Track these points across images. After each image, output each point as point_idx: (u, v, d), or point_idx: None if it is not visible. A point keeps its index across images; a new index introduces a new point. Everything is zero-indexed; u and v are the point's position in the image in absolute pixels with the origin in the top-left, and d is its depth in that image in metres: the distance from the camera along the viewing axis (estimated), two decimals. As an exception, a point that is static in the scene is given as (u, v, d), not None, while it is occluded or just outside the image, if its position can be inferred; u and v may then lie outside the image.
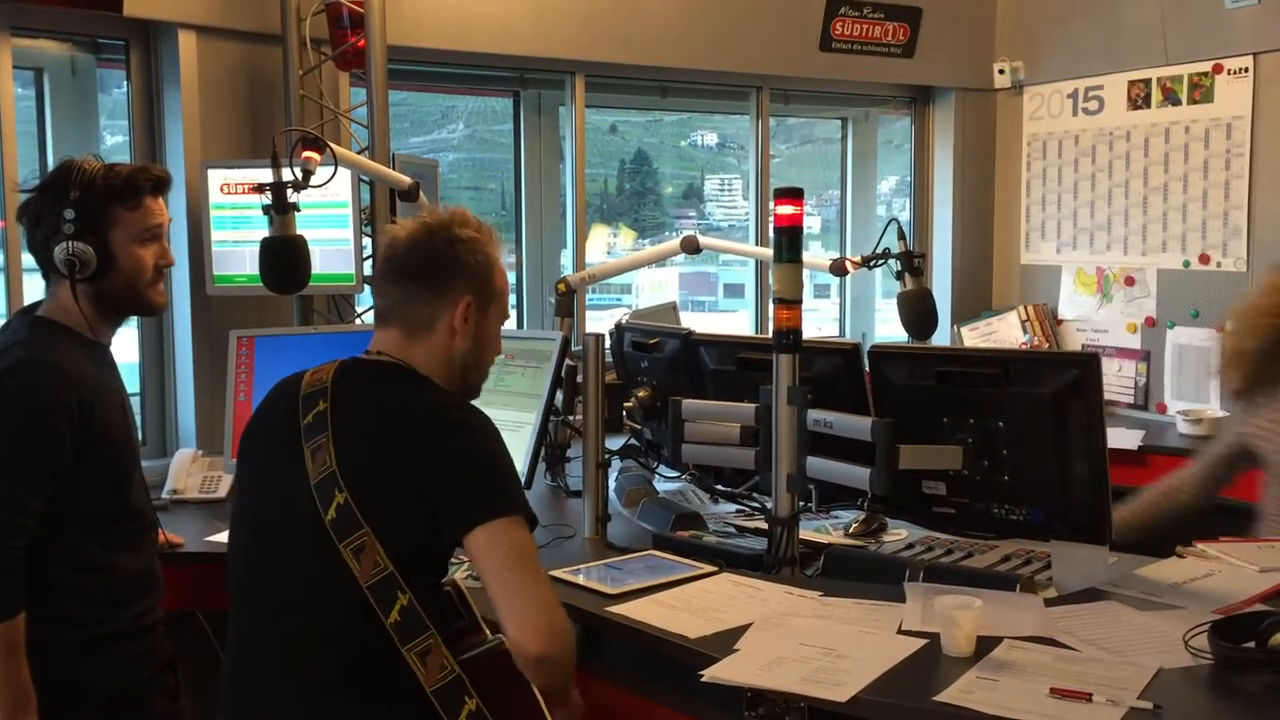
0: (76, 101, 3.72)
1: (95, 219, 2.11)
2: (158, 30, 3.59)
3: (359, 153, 3.42)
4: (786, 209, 2.35)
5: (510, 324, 4.54)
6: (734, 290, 5.95)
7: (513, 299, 4.73)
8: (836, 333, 5.60)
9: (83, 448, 2.06)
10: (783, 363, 2.35)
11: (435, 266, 1.89)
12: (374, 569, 1.70)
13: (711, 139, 5.81)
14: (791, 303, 2.34)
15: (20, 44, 3.43)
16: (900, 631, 1.96)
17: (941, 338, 5.17)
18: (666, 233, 5.48)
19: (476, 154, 5.09)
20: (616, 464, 3.13)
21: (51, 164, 3.60)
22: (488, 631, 1.87)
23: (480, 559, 1.70)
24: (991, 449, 2.29)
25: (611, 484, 3.22)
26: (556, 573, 2.32)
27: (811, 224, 5.82)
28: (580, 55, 4.35)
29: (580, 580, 2.28)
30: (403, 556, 1.72)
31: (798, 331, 2.34)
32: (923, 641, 1.90)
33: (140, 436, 3.72)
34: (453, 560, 1.94)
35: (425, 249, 1.89)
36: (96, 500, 2.11)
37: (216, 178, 3.47)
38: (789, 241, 2.35)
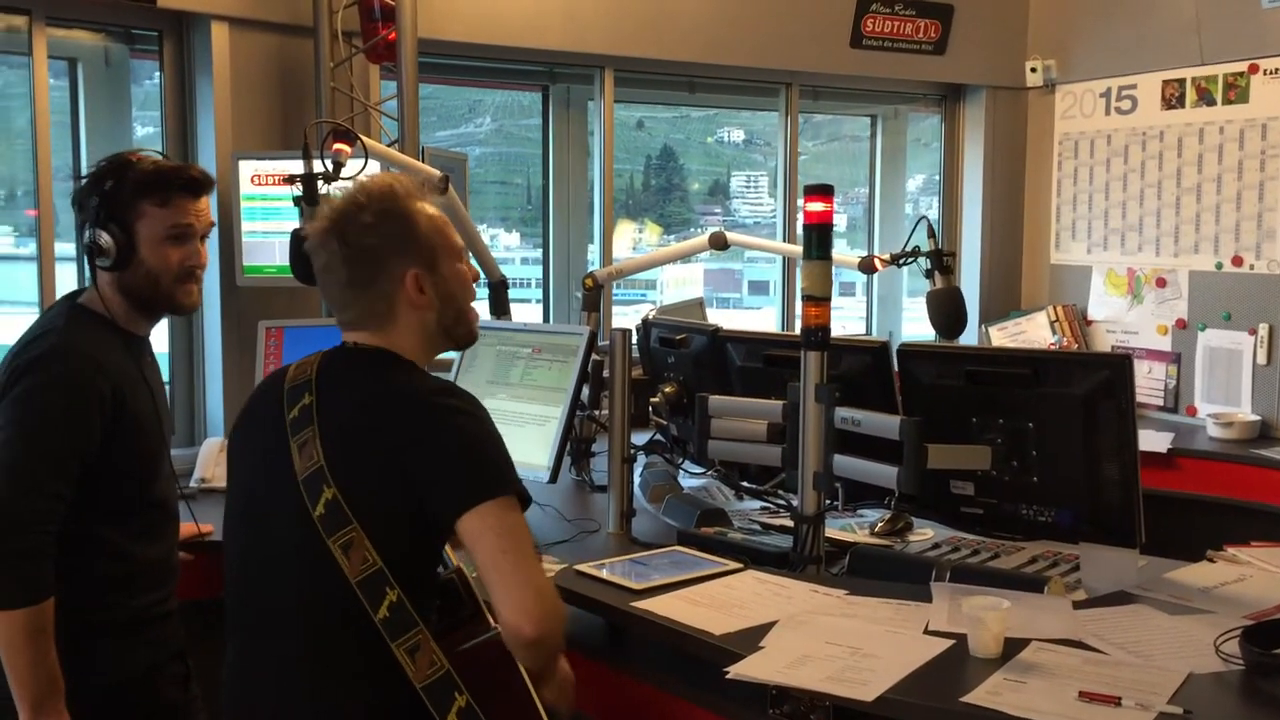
0: (110, 92, 3.74)
1: (122, 210, 2.12)
2: (191, 21, 3.61)
3: (389, 145, 3.43)
4: (817, 206, 2.33)
5: (529, 316, 4.62)
6: (759, 287, 5.94)
7: (537, 294, 4.76)
8: (863, 331, 5.57)
9: (111, 436, 2.06)
10: (811, 360, 2.33)
11: (363, 265, 1.82)
12: (363, 564, 1.68)
13: (738, 135, 5.79)
14: (820, 300, 2.32)
15: (55, 34, 3.45)
16: (927, 631, 1.95)
17: (969, 338, 5.14)
18: (692, 229, 5.48)
19: (503, 148, 5.10)
20: (642, 459, 3.13)
21: (85, 154, 3.64)
22: (491, 620, 1.85)
23: (472, 543, 1.68)
24: (1020, 449, 2.27)
25: (636, 480, 3.22)
26: (580, 567, 2.32)
27: (838, 221, 5.78)
28: (610, 50, 4.35)
29: (605, 575, 2.28)
30: (392, 551, 1.70)
31: (826, 329, 2.32)
32: (950, 642, 1.89)
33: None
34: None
35: (345, 254, 1.81)
36: (121, 490, 2.12)
37: (247, 169, 3.49)
38: (819, 239, 2.33)
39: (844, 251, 4.24)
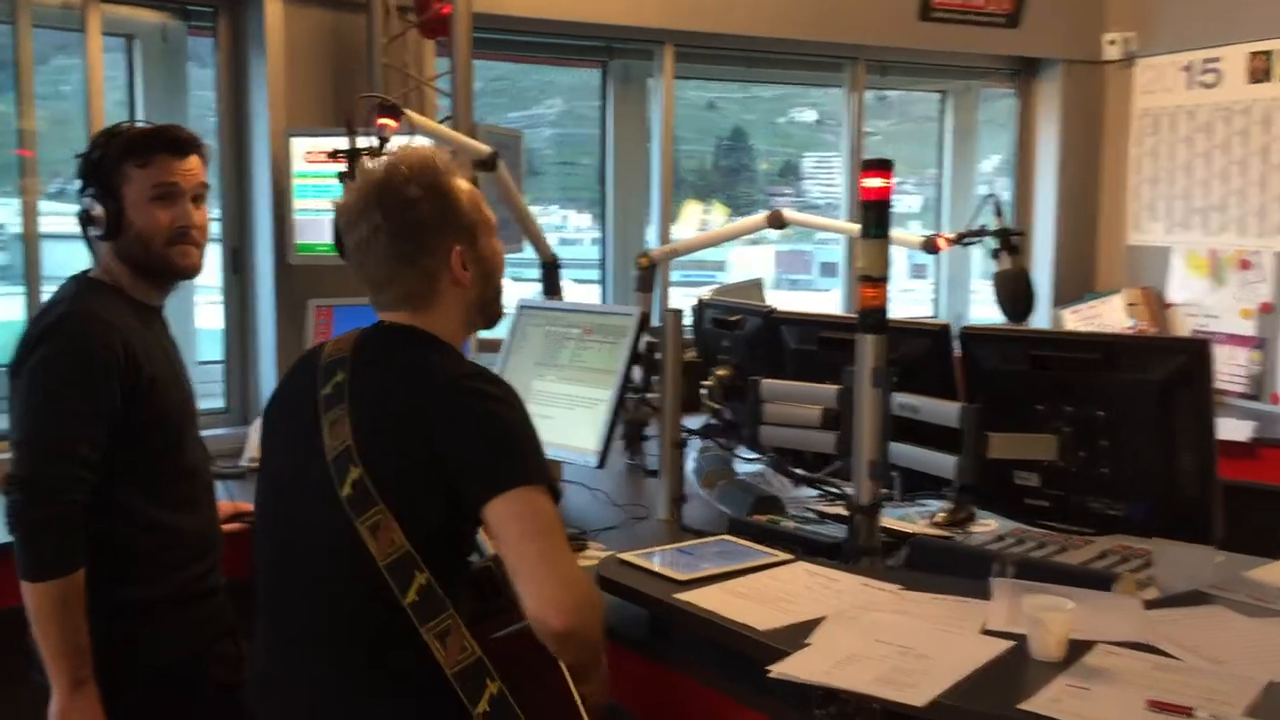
0: (167, 70, 3.74)
1: (109, 176, 2.11)
2: (245, -2, 3.59)
3: (441, 122, 3.37)
4: (875, 181, 2.22)
5: (594, 297, 4.57)
6: (831, 269, 5.85)
7: (596, 273, 4.70)
8: (930, 314, 5.46)
9: (130, 395, 2.05)
10: (867, 343, 2.23)
11: (408, 240, 1.76)
12: (390, 547, 1.63)
13: (810, 116, 5.70)
14: (878, 280, 2.21)
15: (114, 11, 3.44)
16: (984, 631, 1.84)
17: (1041, 321, 5.00)
18: (761, 210, 5.37)
19: (573, 129, 5.06)
20: (696, 444, 3.06)
21: (140, 130, 3.63)
22: None
23: (498, 530, 1.63)
24: (1090, 439, 2.16)
25: (690, 465, 3.14)
26: (626, 556, 2.25)
27: (911, 203, 5.68)
28: (669, 24, 4.25)
29: (653, 565, 2.20)
30: (421, 534, 1.65)
31: (883, 310, 2.21)
32: (1009, 643, 1.78)
33: (223, 404, 3.75)
34: None
35: (390, 228, 1.75)
36: (147, 455, 2.10)
37: (300, 146, 3.46)
38: (876, 216, 2.22)
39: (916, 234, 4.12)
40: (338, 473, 1.67)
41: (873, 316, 2.22)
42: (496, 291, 1.88)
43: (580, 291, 4.45)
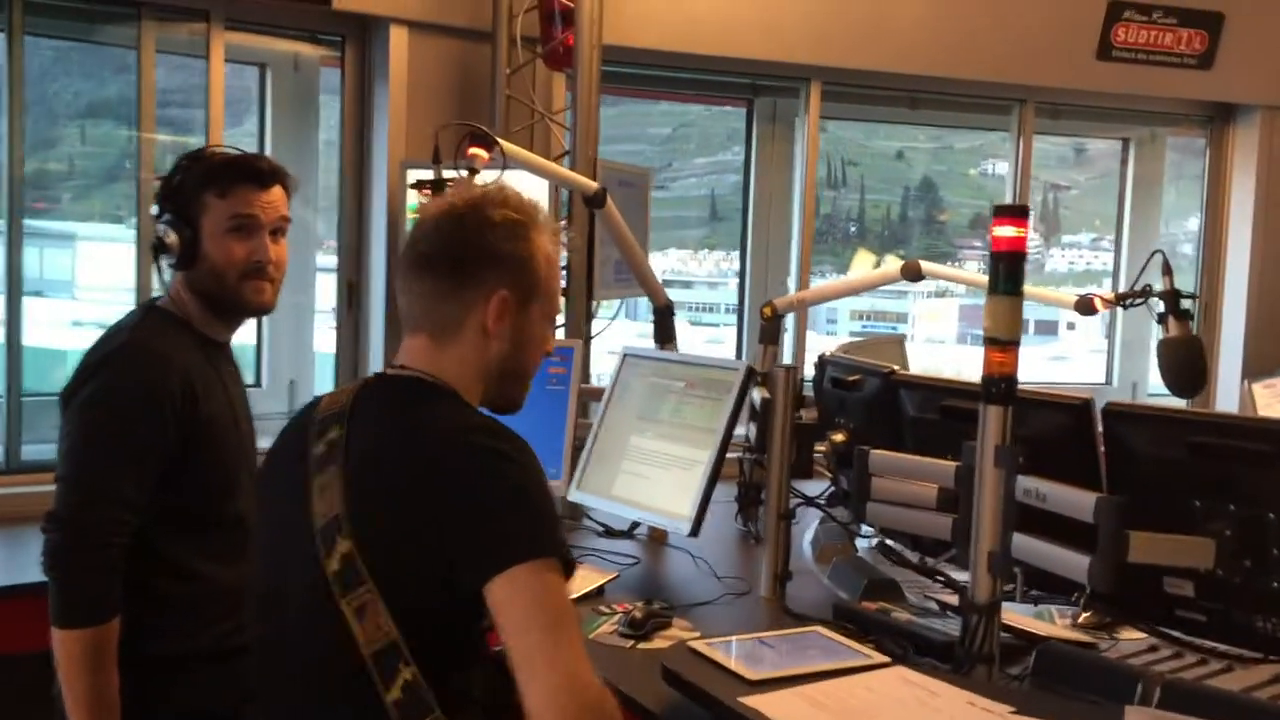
0: (297, 98, 3.72)
1: (187, 203, 2.03)
2: (373, 26, 3.54)
3: (559, 157, 3.20)
4: (1006, 230, 1.92)
5: (714, 346, 4.35)
6: (1046, 328, 5.61)
7: (726, 317, 4.47)
8: (1103, 380, 5.06)
9: (184, 435, 1.96)
10: (991, 416, 1.92)
11: (461, 255, 1.60)
12: (377, 633, 1.43)
13: (1003, 168, 5.41)
14: (1006, 344, 1.91)
15: (244, 41, 3.44)
16: (1107, 782, 1.51)
17: (1228, 395, 4.52)
18: (951, 262, 5.21)
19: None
20: (817, 514, 2.78)
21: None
22: None
23: (498, 614, 1.39)
24: (1257, 545, 1.79)
25: (808, 536, 2.89)
26: (697, 644, 1.98)
27: (1101, 261, 5.36)
28: (816, 60, 4.01)
29: (719, 657, 1.93)
30: (412, 620, 1.43)
31: (1012, 379, 1.91)
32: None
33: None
34: None
35: (450, 235, 1.60)
36: (193, 501, 2.00)
37: (415, 178, 3.34)
38: (1007, 270, 1.93)
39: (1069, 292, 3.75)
40: (324, 544, 1.48)
41: (998, 385, 1.92)
42: (520, 369, 1.68)
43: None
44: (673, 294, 5.44)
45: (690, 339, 5.31)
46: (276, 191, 2.08)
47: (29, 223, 3.22)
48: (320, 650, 1.48)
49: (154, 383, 1.94)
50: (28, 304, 3.22)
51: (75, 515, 1.88)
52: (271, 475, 1.70)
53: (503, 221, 1.61)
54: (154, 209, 2.08)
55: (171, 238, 2.03)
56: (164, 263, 2.07)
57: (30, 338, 3.22)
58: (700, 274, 5.46)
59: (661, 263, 5.33)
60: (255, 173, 2.06)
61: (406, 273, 1.64)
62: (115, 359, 1.97)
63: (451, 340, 1.61)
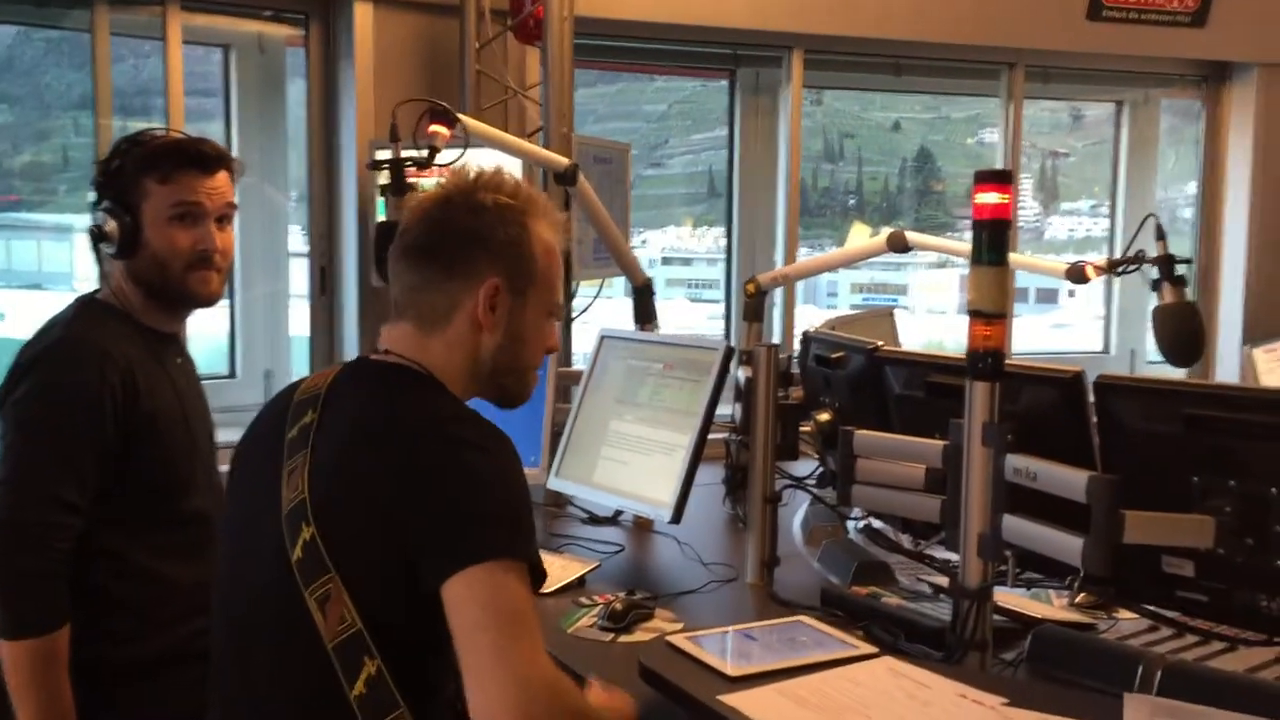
0: (264, 80, 3.61)
1: (126, 190, 1.94)
2: (337, 2, 3.44)
3: (532, 134, 3.10)
4: (989, 197, 1.82)
5: (716, 323, 4.28)
6: (1047, 295, 5.55)
7: (723, 294, 4.37)
8: (1100, 348, 5.00)
9: (128, 435, 1.88)
10: (978, 392, 1.83)
11: (452, 242, 1.54)
12: (340, 624, 1.36)
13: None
14: (992, 316, 1.82)
15: (207, 21, 3.33)
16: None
17: (1229, 361, 4.44)
18: (948, 233, 5.14)
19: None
20: (806, 495, 2.70)
21: (235, 142, 3.51)
22: None
23: (452, 616, 1.32)
24: (1258, 523, 1.70)
25: (798, 518, 2.80)
26: (676, 639, 1.89)
27: (1101, 228, 5.28)
28: (797, 27, 3.91)
29: (698, 652, 1.84)
30: (377, 611, 1.37)
31: (999, 353, 1.82)
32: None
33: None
34: None
35: (440, 221, 1.54)
36: (141, 499, 1.92)
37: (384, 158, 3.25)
38: (990, 238, 1.83)
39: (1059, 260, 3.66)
40: (290, 531, 1.42)
41: (984, 360, 1.82)
42: (516, 364, 1.60)
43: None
44: (672, 271, 5.38)
45: (691, 316, 5.25)
46: (222, 177, 1.99)
47: (26, 215, 3.14)
48: (285, 645, 1.42)
49: (90, 378, 1.86)
50: (26, 296, 3.14)
51: (12, 519, 1.81)
52: (246, 459, 1.64)
53: (494, 206, 1.55)
54: (90, 195, 1.98)
55: (111, 225, 1.93)
56: (103, 251, 1.97)
57: (29, 333, 3.17)
58: (700, 250, 5.39)
59: (660, 240, 5.26)
60: (199, 157, 1.97)
61: (396, 263, 1.59)
62: (49, 356, 1.89)
63: (440, 330, 1.55)
